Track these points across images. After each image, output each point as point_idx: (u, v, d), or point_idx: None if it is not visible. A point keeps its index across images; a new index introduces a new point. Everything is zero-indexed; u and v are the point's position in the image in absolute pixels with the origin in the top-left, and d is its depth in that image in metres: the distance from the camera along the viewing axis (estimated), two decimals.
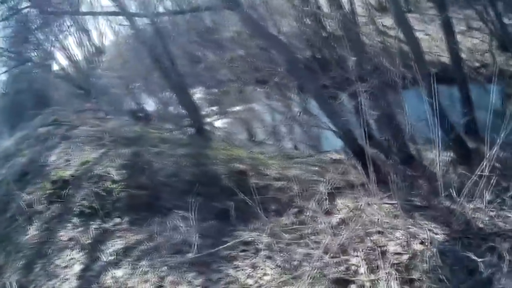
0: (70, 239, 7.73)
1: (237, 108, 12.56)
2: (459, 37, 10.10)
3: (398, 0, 9.62)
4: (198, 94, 13.68)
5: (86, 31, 17.19)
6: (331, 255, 5.05)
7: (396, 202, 5.88)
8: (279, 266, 5.20)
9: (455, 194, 5.70)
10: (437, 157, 6.08)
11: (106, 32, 17.54)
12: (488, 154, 5.48)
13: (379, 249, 5.01)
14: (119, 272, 6.30)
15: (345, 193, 6.93)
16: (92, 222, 7.89)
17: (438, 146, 6.06)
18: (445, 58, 10.12)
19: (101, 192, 8.53)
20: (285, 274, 4.99)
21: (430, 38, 12.15)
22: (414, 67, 6.92)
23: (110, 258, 6.76)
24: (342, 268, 4.87)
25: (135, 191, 8.32)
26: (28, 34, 13.34)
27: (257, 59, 9.81)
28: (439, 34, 10.17)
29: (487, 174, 5.44)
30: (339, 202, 6.71)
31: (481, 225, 5.31)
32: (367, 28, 11.41)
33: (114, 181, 8.71)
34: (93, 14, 14.16)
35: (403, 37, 8.56)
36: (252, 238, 5.89)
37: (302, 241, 5.55)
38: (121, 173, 8.96)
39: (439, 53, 11.20)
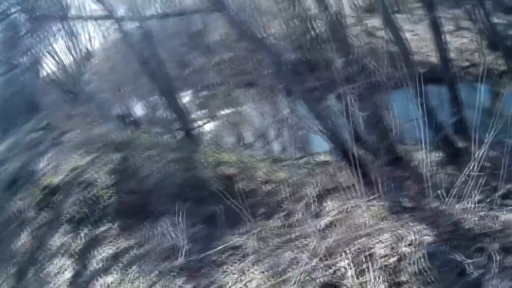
0: (61, 246, 7.75)
1: (226, 111, 12.54)
2: (448, 37, 10.09)
3: (386, 1, 9.63)
4: (186, 97, 13.68)
5: (75, 36, 17.08)
6: (319, 258, 5.02)
7: (384, 203, 5.87)
8: (267, 270, 5.16)
9: (443, 194, 5.67)
10: (425, 157, 6.08)
11: (94, 36, 17.44)
12: (476, 154, 5.46)
13: (367, 251, 4.98)
14: (109, 278, 6.33)
15: (333, 195, 6.89)
16: (82, 228, 7.90)
17: (426, 146, 6.05)
18: (434, 58, 10.11)
19: (91, 198, 8.53)
20: (273, 278, 4.96)
21: (419, 38, 12.16)
22: (402, 67, 6.93)
23: (100, 264, 6.77)
24: (330, 271, 4.84)
25: (125, 196, 8.31)
26: (17, 39, 13.25)
27: (245, 61, 9.80)
28: (428, 34, 10.17)
29: (476, 174, 5.40)
30: (327, 204, 6.69)
31: (470, 226, 5.27)
32: (355, 29, 11.43)
33: (103, 187, 8.69)
34: (82, 18, 14.05)
35: (391, 38, 8.57)
36: (240, 243, 5.86)
37: (290, 244, 5.52)
38: (110, 178, 8.93)
39: (427, 53, 11.21)
